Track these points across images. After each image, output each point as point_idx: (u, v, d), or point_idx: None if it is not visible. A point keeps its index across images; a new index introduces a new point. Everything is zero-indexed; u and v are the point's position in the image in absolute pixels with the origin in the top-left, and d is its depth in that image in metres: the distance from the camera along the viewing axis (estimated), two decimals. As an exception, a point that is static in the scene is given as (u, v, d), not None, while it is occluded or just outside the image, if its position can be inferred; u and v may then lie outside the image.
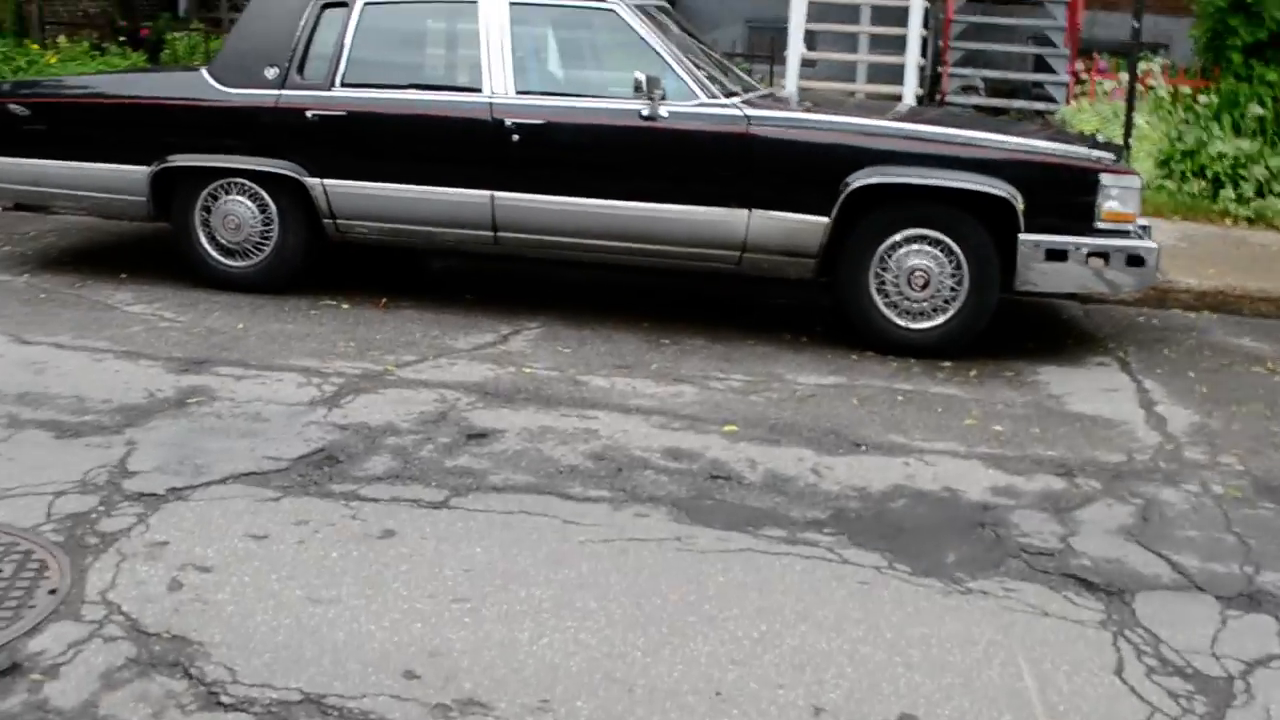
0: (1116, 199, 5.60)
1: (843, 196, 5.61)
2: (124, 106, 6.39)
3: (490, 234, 6.01)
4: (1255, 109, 8.89)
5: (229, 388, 4.89)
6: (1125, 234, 5.66)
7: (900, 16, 10.47)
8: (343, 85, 6.09)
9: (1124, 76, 9.61)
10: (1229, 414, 5.23)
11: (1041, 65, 10.40)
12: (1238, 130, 8.89)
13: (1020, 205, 5.55)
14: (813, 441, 4.69)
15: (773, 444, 4.64)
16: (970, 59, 10.34)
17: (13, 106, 6.46)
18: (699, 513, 4.01)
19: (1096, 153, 5.85)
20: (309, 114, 6.06)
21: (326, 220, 6.18)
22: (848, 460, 4.54)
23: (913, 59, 9.33)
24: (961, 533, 3.99)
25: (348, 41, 6.11)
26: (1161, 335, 6.55)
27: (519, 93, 5.93)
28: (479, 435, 4.54)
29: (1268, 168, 8.59)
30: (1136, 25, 7.93)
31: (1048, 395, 5.42)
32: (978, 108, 10.14)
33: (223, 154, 6.18)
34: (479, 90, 5.96)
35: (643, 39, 5.88)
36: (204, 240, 6.34)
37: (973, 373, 5.64)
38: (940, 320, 5.77)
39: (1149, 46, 11.12)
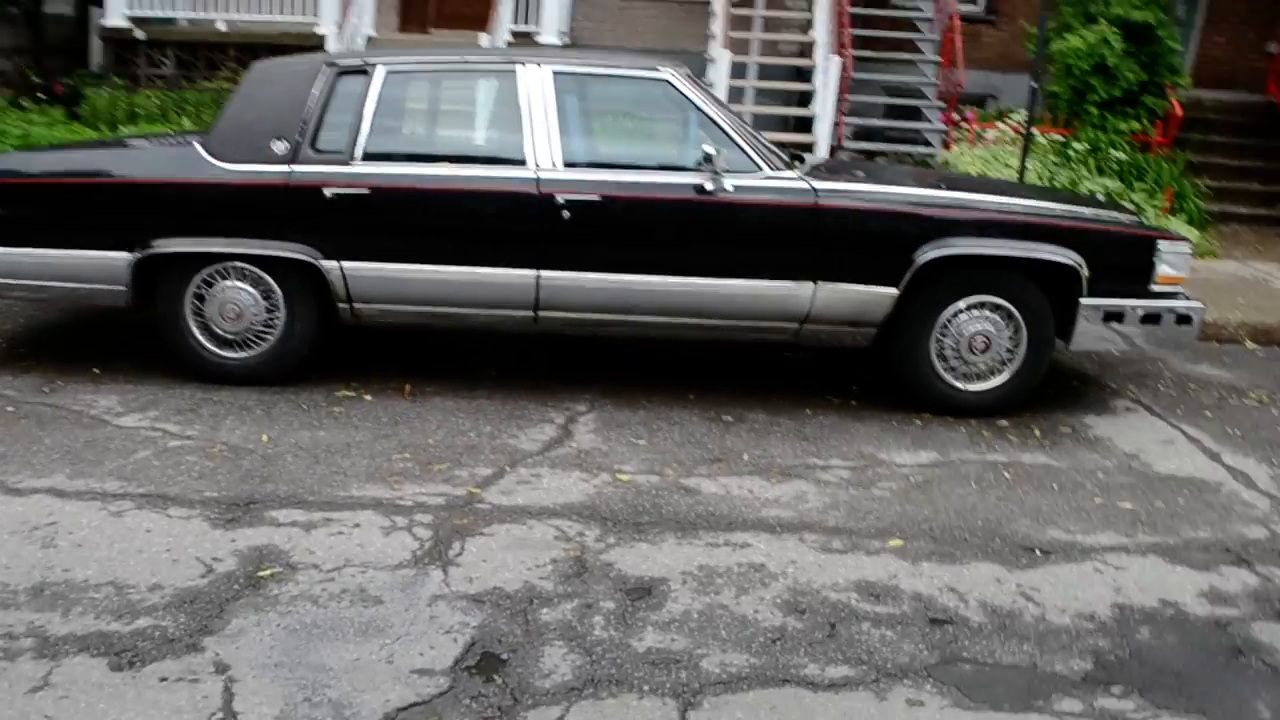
0: (1170, 263, 4.50)
1: (915, 267, 4.25)
2: (103, 187, 4.34)
3: (531, 314, 4.34)
4: (1116, 154, 8.06)
5: (302, 545, 3.07)
6: (1174, 295, 4.53)
7: (781, 73, 9.21)
8: (364, 159, 4.27)
9: (1001, 125, 8.63)
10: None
11: (914, 115, 9.29)
12: (1100, 171, 8.02)
13: (1085, 272, 4.34)
14: (987, 552, 3.31)
15: (953, 561, 3.23)
16: (853, 109, 9.13)
17: (-34, 187, 4.32)
18: (969, 687, 2.57)
19: (1129, 217, 4.78)
20: (327, 191, 4.21)
21: (342, 305, 4.35)
22: (1043, 575, 3.19)
23: (828, 112, 8.02)
24: (1238, 671, 2.71)
25: (368, 112, 4.28)
26: (1139, 368, 5.49)
27: (567, 165, 4.26)
28: (642, 591, 2.93)
29: (1132, 201, 7.73)
30: (1034, 85, 6.84)
31: (1124, 455, 4.24)
32: (859, 153, 8.98)
33: (222, 237, 4.24)
34: (522, 164, 4.24)
35: (700, 109, 4.31)
36: (196, 331, 4.40)
37: (1036, 432, 4.41)
38: (998, 382, 4.51)
39: (980, 99, 10.21)
